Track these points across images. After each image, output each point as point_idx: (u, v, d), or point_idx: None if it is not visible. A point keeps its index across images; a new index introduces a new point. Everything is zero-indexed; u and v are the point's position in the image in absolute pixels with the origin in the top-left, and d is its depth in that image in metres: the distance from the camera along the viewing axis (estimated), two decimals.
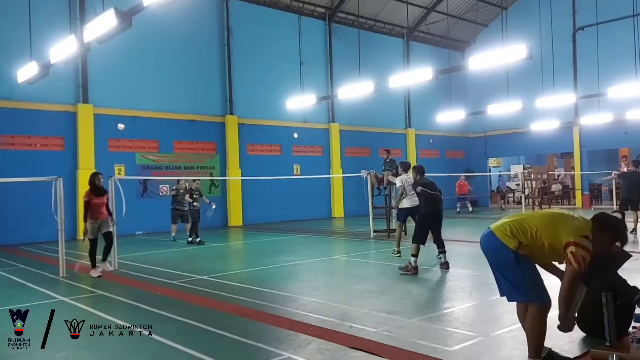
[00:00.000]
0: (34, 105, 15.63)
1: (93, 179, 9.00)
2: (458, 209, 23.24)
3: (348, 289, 7.48)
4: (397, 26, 25.68)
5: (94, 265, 8.92)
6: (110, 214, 9.17)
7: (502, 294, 4.01)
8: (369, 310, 5.95)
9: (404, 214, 10.30)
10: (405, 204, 10.01)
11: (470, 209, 23.01)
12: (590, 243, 3.64)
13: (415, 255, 8.33)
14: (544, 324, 3.80)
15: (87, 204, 8.83)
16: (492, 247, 3.90)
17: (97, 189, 8.96)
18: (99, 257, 9.06)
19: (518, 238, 3.75)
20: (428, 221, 8.81)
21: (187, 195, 13.91)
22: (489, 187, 30.28)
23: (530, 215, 3.99)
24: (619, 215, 4.00)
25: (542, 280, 3.83)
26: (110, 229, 9.07)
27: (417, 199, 9.39)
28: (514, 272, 3.79)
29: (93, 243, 8.91)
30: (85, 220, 8.79)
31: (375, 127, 24.68)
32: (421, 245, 8.57)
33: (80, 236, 15.91)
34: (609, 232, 3.80)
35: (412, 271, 8.19)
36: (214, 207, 14.29)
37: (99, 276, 8.67)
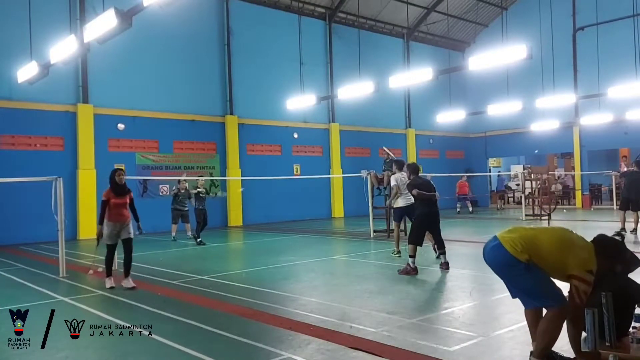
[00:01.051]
0: (34, 105, 15.63)
1: (113, 175, 7.87)
2: (458, 209, 23.26)
3: (348, 289, 7.48)
4: (397, 26, 25.68)
5: (109, 274, 7.82)
6: (136, 217, 8.05)
7: (514, 297, 4.00)
8: (369, 311, 5.95)
9: (399, 214, 10.27)
10: (400, 203, 9.96)
11: (471, 209, 23.02)
12: (592, 277, 3.68)
13: (413, 256, 8.31)
14: (558, 329, 3.78)
15: (105, 204, 7.71)
16: (500, 260, 3.85)
17: (117, 187, 7.82)
18: (117, 269, 8.21)
19: (529, 252, 3.73)
20: (424, 222, 8.69)
21: (195, 194, 13.73)
22: (489, 187, 30.29)
23: (540, 233, 3.95)
24: (619, 237, 4.03)
25: (555, 284, 3.83)
26: (131, 235, 7.88)
27: (411, 197, 9.30)
28: (526, 280, 3.76)
29: (111, 249, 7.79)
30: (100, 223, 7.70)
31: (375, 127, 24.68)
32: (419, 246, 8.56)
33: (82, 236, 16.03)
34: (610, 257, 3.83)
35: (411, 272, 8.19)
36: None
37: (112, 287, 7.62)
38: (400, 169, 10.04)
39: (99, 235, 7.70)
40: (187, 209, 14.68)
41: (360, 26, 22.58)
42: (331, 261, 10.65)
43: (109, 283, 7.72)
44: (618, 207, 13.21)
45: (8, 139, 15.42)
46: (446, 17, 25.77)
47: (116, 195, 7.75)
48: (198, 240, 13.41)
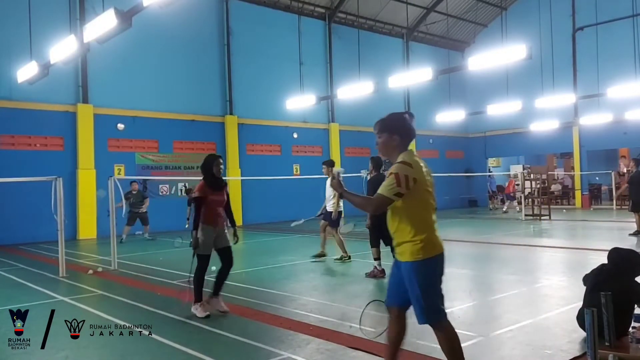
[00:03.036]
0: (34, 105, 15.63)
1: (211, 164, 5.97)
2: (505, 209, 23.67)
3: (348, 289, 7.48)
4: (397, 26, 25.69)
5: (198, 298, 5.91)
6: (232, 221, 6.33)
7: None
8: (369, 310, 5.95)
9: (338, 219, 9.98)
10: (339, 207, 9.90)
11: (505, 208, 23.60)
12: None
13: (378, 259, 8.20)
14: None
15: (200, 202, 5.90)
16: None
17: (215, 180, 6.01)
18: (205, 290, 6.07)
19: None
20: (380, 224, 8.52)
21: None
22: (488, 187, 30.27)
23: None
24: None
25: None
26: (230, 243, 6.18)
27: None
28: None
29: (203, 261, 5.98)
30: (195, 227, 5.89)
31: None
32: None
33: (81, 236, 16.03)
34: (393, 131, 3.51)
35: (379, 275, 8.08)
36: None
37: (207, 316, 5.79)
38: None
39: (196, 244, 5.85)
40: (142, 210, 14.64)
41: (359, 26, 22.58)
42: (331, 261, 10.65)
43: (202, 311, 5.82)
44: (629, 209, 13.02)
45: (8, 139, 15.42)
46: (446, 17, 25.77)
47: (213, 191, 5.98)
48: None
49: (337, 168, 3.63)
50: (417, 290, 3.30)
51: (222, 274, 6.11)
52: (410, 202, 3.30)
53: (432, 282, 3.34)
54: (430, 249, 3.31)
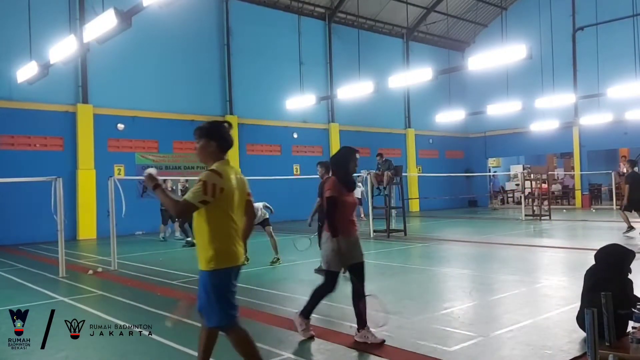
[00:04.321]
0: (34, 105, 15.63)
1: (348, 157, 4.83)
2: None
3: (348, 289, 7.45)
4: (397, 26, 25.69)
5: (306, 315, 4.92)
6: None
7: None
8: (369, 311, 5.94)
9: None
10: None
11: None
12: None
13: None
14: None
15: (334, 204, 4.72)
16: None
17: (349, 178, 4.88)
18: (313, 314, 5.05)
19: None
20: None
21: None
22: (489, 187, 30.32)
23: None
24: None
25: None
26: (363, 258, 5.06)
27: None
28: None
29: (330, 280, 4.91)
30: (336, 233, 4.70)
31: (375, 127, 24.69)
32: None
33: (81, 236, 16.00)
34: (212, 137, 3.54)
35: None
36: None
37: (312, 336, 4.87)
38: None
39: (338, 252, 4.75)
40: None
41: (359, 26, 22.58)
42: None
43: (308, 332, 4.89)
44: (622, 208, 12.89)
45: (8, 139, 15.42)
46: (446, 17, 25.77)
47: (348, 191, 4.85)
48: (188, 239, 13.17)
49: (153, 169, 3.69)
50: (207, 297, 3.43)
51: (358, 296, 4.89)
52: (213, 211, 3.36)
53: (224, 292, 3.46)
54: (223, 260, 3.41)
